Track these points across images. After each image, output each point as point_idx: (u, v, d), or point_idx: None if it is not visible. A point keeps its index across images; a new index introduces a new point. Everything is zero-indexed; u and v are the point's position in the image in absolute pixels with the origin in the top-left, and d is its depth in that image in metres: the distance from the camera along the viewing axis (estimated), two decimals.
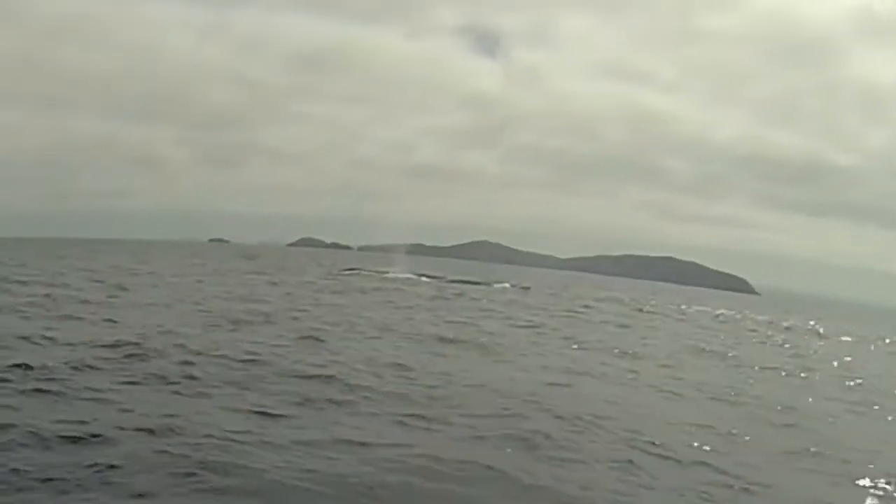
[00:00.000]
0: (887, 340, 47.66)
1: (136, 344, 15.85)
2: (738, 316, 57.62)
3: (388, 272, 61.02)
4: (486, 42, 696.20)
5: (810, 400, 18.68)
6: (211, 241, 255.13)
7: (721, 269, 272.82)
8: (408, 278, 58.27)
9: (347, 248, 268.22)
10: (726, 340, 33.19)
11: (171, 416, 10.50)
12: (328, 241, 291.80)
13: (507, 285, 61.99)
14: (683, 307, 61.72)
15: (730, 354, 26.75)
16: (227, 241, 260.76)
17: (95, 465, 8.41)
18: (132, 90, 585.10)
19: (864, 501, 10.49)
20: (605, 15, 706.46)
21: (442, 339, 22.08)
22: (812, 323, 59.85)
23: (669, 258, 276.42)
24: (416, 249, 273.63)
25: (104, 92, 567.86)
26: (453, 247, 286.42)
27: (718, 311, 60.56)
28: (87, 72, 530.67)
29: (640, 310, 50.08)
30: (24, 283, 31.02)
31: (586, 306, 46.79)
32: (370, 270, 62.44)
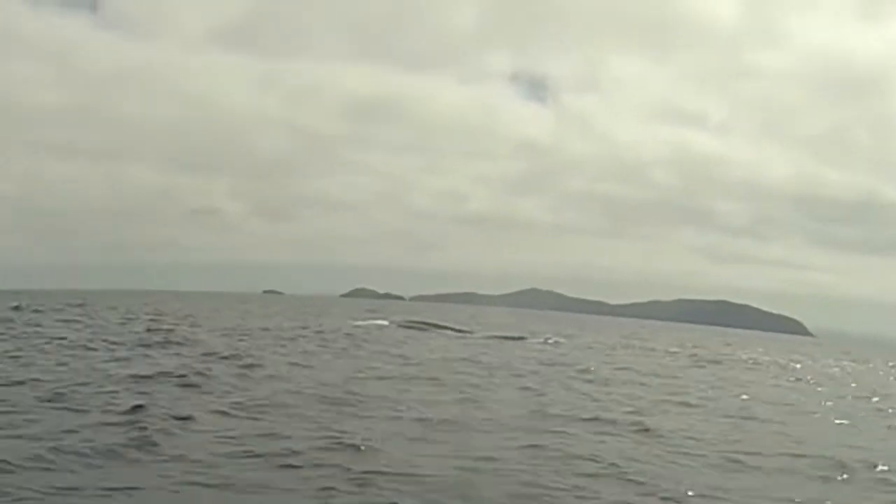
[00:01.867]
0: None
1: None
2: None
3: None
4: (537, 87, 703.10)
5: None
6: (265, 292, 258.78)
7: (775, 311, 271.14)
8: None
9: (400, 298, 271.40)
10: None
11: None
12: (381, 291, 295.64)
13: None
14: (786, 361, 52.37)
15: None
16: (280, 293, 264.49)
17: None
18: (188, 141, 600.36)
19: None
20: (655, 57, 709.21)
21: None
22: None
23: (723, 301, 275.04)
24: (469, 298, 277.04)
25: (161, 142, 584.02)
26: (505, 295, 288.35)
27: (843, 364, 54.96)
28: (144, 122, 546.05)
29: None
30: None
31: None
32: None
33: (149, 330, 32.77)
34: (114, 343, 26.48)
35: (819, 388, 30.84)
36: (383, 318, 54.13)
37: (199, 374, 19.04)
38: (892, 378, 40.35)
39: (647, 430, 15.79)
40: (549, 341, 46.22)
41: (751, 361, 46.72)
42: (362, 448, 12.11)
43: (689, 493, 10.97)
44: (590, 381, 25.11)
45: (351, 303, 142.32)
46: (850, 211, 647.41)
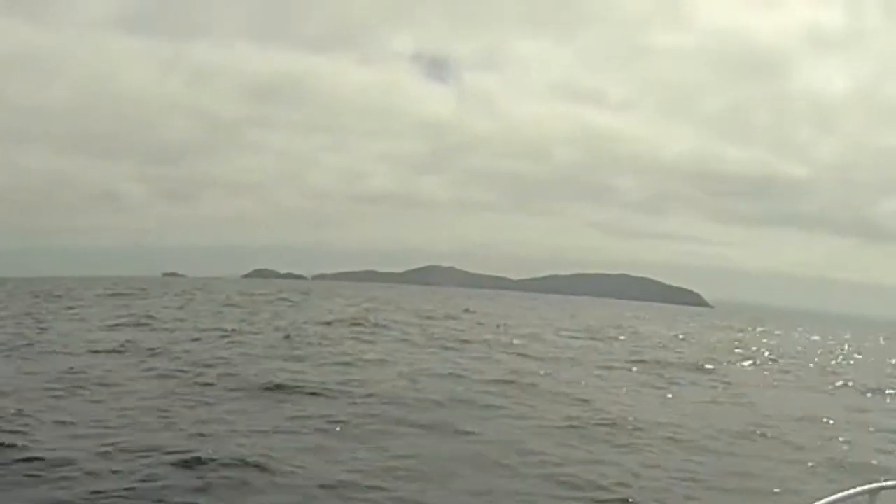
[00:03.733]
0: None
1: None
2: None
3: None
4: (438, 68, 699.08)
5: None
6: (165, 275, 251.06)
7: (674, 284, 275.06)
8: None
9: (302, 277, 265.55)
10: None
11: None
12: (282, 271, 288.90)
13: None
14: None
15: None
16: (181, 276, 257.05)
17: None
18: (88, 124, 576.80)
19: None
20: (556, 37, 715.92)
21: None
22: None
23: (623, 275, 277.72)
24: (370, 276, 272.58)
25: (58, 127, 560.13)
26: (406, 272, 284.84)
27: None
28: (40, 106, 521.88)
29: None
30: None
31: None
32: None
33: None
34: None
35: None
36: None
37: None
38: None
39: None
40: None
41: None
42: None
43: None
44: None
45: (253, 283, 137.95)
46: (748, 186, 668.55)
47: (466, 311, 60.43)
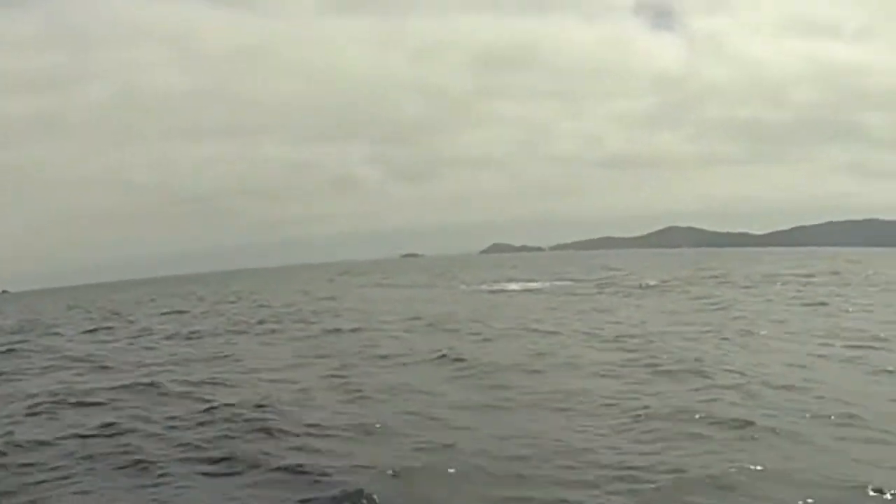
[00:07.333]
0: None
1: None
2: None
3: None
4: (663, 17, 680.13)
5: None
6: (403, 256, 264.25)
7: None
8: None
9: (539, 249, 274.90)
10: None
11: None
12: (518, 244, 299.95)
13: None
14: None
15: None
16: (420, 256, 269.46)
17: None
18: (318, 111, 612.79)
19: None
20: None
21: None
22: None
23: (873, 220, 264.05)
24: (606, 243, 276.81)
25: (291, 116, 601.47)
26: (642, 236, 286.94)
27: None
28: (272, 98, 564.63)
29: None
30: None
31: None
32: None
33: None
34: None
35: None
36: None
37: None
38: None
39: None
40: None
41: None
42: None
43: None
44: None
45: (489, 259, 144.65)
46: None
47: None
